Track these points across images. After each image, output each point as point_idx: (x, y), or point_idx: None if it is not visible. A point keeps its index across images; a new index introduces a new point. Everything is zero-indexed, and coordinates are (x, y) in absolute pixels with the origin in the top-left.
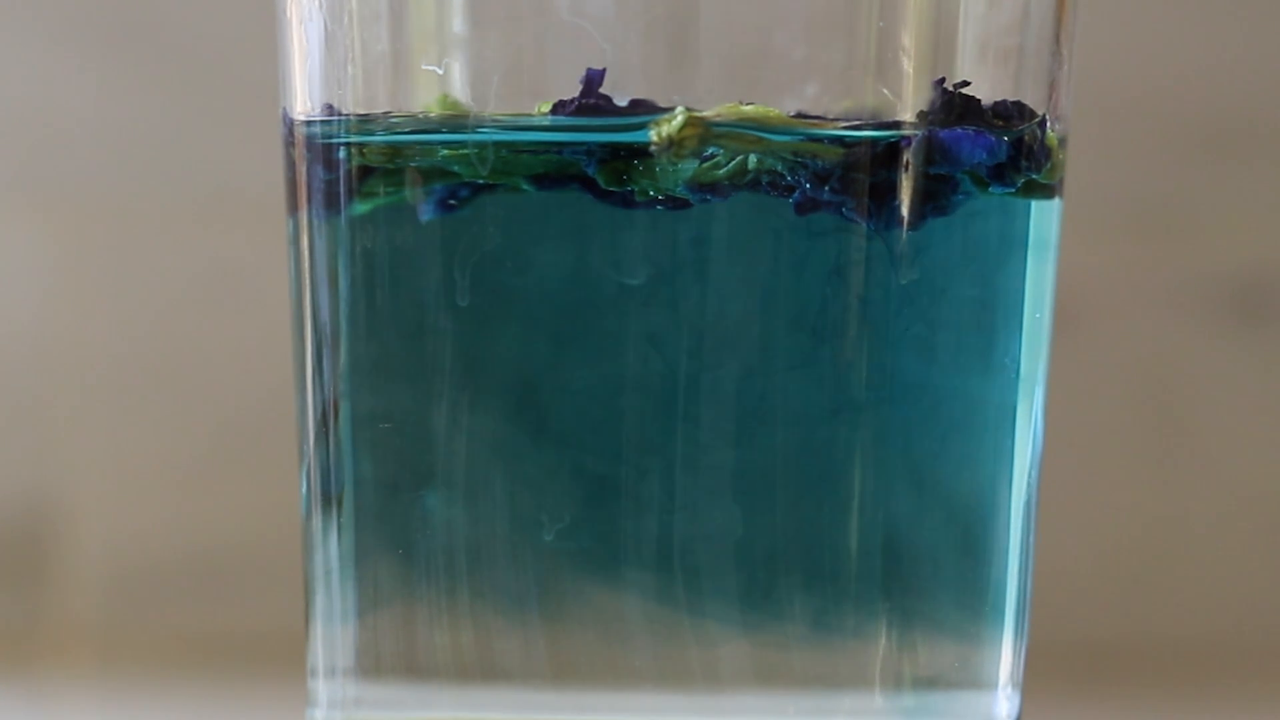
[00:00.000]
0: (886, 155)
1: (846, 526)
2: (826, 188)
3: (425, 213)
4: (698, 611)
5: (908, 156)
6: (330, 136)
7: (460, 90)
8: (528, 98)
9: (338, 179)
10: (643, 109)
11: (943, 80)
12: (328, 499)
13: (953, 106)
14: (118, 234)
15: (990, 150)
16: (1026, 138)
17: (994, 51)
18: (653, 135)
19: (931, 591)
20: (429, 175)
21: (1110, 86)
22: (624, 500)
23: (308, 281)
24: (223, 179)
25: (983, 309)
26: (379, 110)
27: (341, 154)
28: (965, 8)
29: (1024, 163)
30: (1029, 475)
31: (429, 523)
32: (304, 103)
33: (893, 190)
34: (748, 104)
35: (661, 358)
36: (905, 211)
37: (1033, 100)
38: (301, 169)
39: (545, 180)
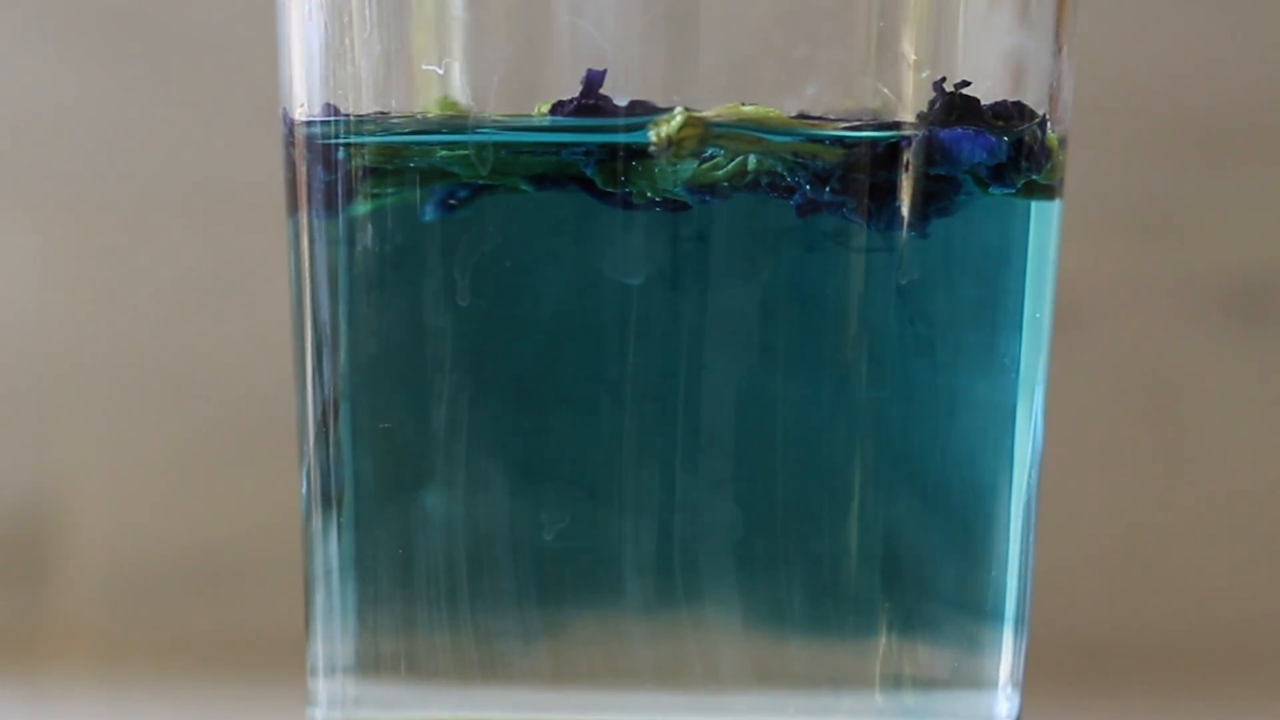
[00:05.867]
0: (887, 156)
1: (846, 526)
2: (827, 188)
3: (425, 213)
4: (698, 611)
5: (908, 157)
6: (330, 136)
7: (460, 90)
8: (528, 98)
9: (337, 179)
10: (642, 109)
11: (943, 80)
12: (328, 499)
13: (953, 107)
14: (117, 233)
15: (990, 151)
16: (1026, 138)
17: (994, 51)
18: (652, 136)
19: (931, 591)
20: (429, 176)
21: (1110, 86)
22: (624, 500)
23: (308, 281)
24: (222, 179)
25: (983, 309)
26: (379, 110)
27: (341, 154)
28: (965, 8)
29: (1024, 163)
30: (1029, 475)
31: (429, 523)
32: (304, 103)
33: (893, 191)
34: (748, 104)
35: (661, 359)
36: (905, 212)
37: (1033, 100)
38: (301, 169)
39: (545, 181)
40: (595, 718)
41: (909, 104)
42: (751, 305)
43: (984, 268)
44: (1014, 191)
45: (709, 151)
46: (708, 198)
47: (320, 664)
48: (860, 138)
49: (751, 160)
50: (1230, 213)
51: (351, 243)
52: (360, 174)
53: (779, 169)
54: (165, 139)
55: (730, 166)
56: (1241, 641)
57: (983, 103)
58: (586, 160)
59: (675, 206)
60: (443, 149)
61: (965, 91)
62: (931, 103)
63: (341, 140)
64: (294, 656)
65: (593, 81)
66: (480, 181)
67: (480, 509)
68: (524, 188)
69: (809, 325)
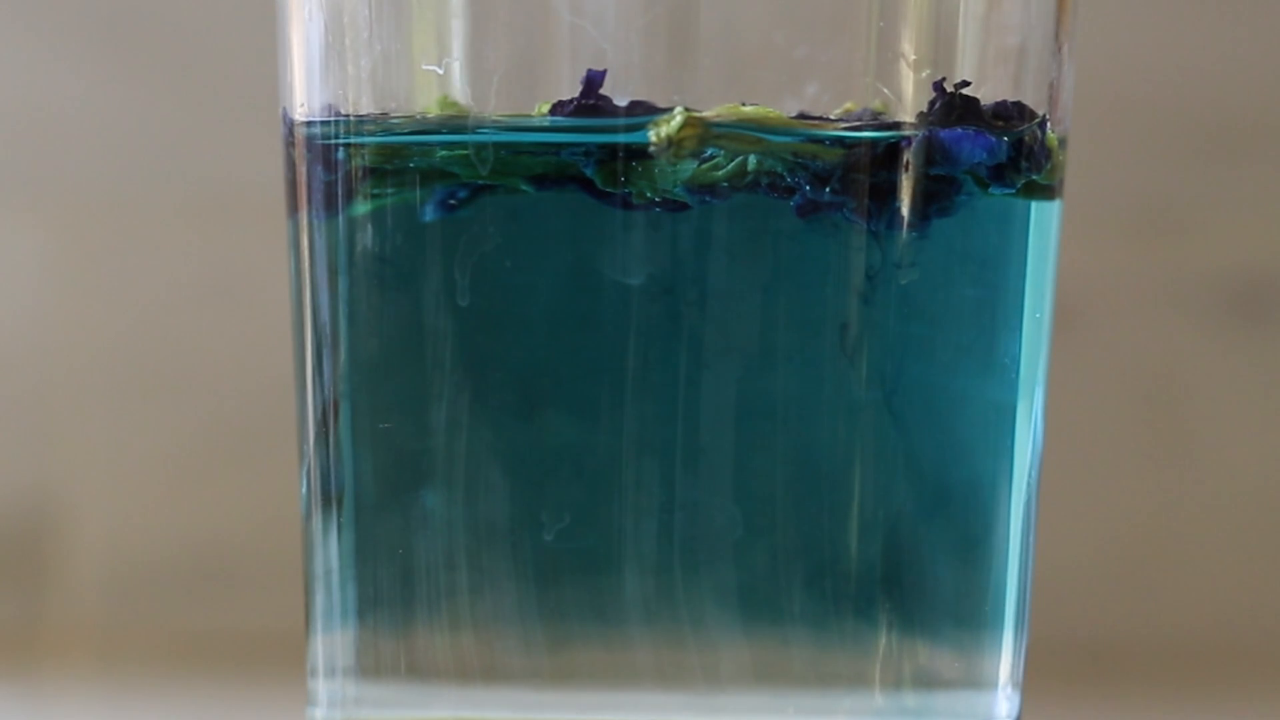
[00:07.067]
0: (887, 156)
1: (847, 526)
2: (827, 189)
3: (425, 213)
4: (698, 611)
5: (908, 157)
6: (330, 137)
7: (460, 90)
8: (528, 98)
9: (337, 179)
10: (642, 109)
11: (943, 80)
12: (328, 499)
13: (953, 107)
14: (117, 233)
15: (990, 151)
16: (1026, 138)
17: (994, 51)
18: (652, 136)
19: (932, 591)
20: (429, 176)
21: (1110, 86)
22: (624, 500)
23: (308, 282)
24: (222, 179)
25: (983, 309)
26: (379, 110)
27: (341, 154)
28: (965, 8)
29: (1024, 163)
30: (1029, 475)
31: (429, 523)
32: (304, 103)
33: (893, 191)
34: (748, 104)
35: (661, 359)
36: (906, 212)
37: (1033, 100)
38: (301, 169)
39: (545, 181)
40: (595, 718)
41: (909, 104)
42: (751, 305)
43: (984, 268)
44: (1014, 191)
45: (709, 151)
46: (708, 198)
47: (320, 664)
48: (860, 138)
49: (751, 160)
50: (1230, 212)
51: (351, 243)
52: (360, 174)
53: (779, 169)
54: (165, 139)
55: (730, 167)
56: (1241, 641)
57: (983, 103)
58: (586, 160)
59: (675, 207)
60: (443, 149)
61: (965, 91)
62: (931, 103)
63: (341, 140)
64: (294, 656)
65: (593, 81)
66: (480, 181)
67: (480, 509)
68: (524, 188)
69: (809, 326)
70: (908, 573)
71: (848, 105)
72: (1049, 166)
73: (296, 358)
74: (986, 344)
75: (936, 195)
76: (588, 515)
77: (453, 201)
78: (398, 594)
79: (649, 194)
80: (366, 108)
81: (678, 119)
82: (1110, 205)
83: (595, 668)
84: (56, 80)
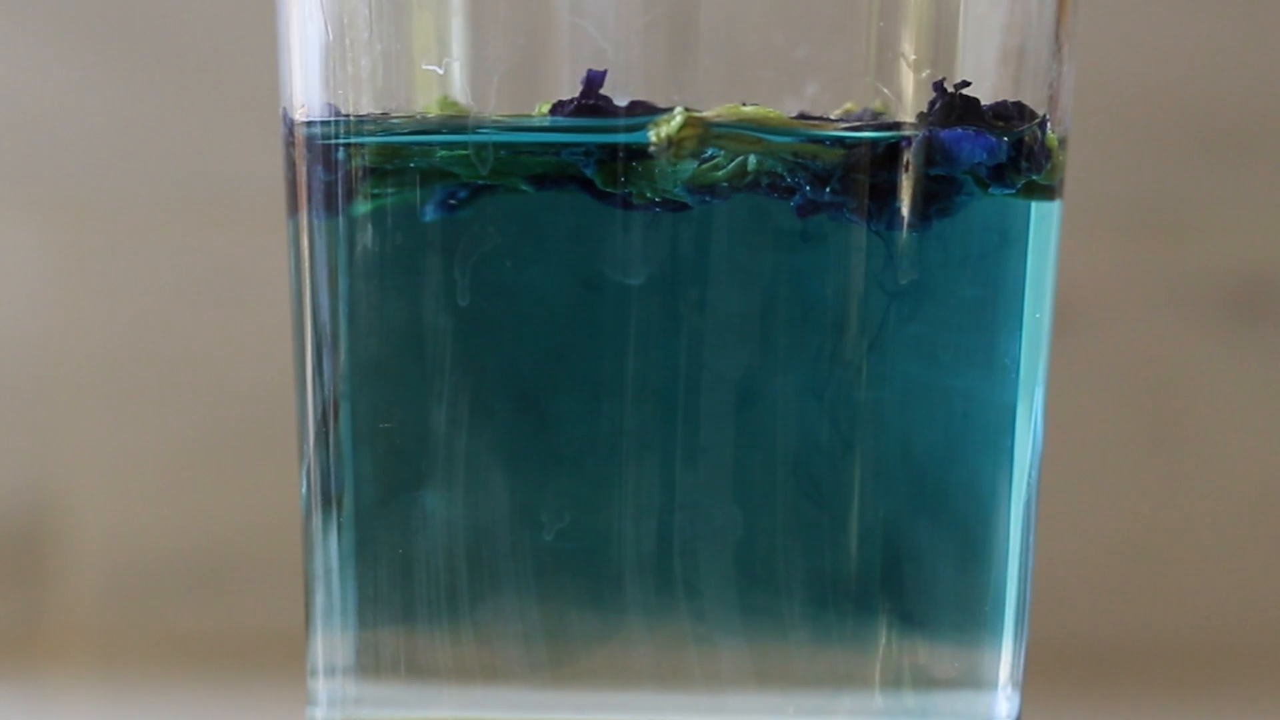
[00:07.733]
0: (887, 156)
1: (847, 526)
2: (827, 189)
3: (425, 213)
4: (698, 611)
5: (908, 157)
6: (330, 137)
7: (460, 90)
8: (528, 98)
9: (337, 179)
10: (642, 109)
11: (943, 80)
12: (328, 499)
13: (953, 107)
14: (117, 233)
15: (990, 151)
16: (1027, 138)
17: (994, 51)
18: (651, 136)
19: (931, 591)
20: (429, 176)
21: (1110, 86)
22: (624, 500)
23: (308, 281)
24: (222, 178)
25: (983, 309)
26: (379, 110)
27: (341, 154)
28: (965, 8)
29: (1024, 164)
30: (1029, 475)
31: (428, 523)
32: (304, 103)
33: (893, 191)
34: (748, 104)
35: (661, 359)
36: (906, 212)
37: (1033, 100)
38: (301, 169)
39: (545, 181)
40: (595, 718)
41: (909, 104)
42: (751, 306)
43: (984, 268)
44: (1014, 192)
45: (709, 152)
46: (708, 198)
47: (320, 664)
48: (860, 138)
49: (751, 160)
50: (1230, 212)
51: (351, 243)
52: (360, 174)
53: (779, 169)
54: (165, 139)
55: (730, 167)
56: (1241, 641)
57: (983, 103)
58: (586, 160)
59: (675, 207)
60: (443, 149)
61: (965, 91)
62: (931, 103)
63: (341, 140)
64: (294, 656)
65: (593, 81)
66: (480, 181)
67: (480, 509)
68: (524, 188)
69: (808, 326)
70: (908, 573)
71: (848, 105)
72: (1049, 166)
73: (296, 358)
74: (986, 344)
75: (936, 195)
76: (587, 515)
77: (453, 201)
78: (397, 594)
79: (649, 194)
80: (366, 108)
81: (678, 119)
82: (1110, 205)
83: (595, 668)
84: (56, 80)
